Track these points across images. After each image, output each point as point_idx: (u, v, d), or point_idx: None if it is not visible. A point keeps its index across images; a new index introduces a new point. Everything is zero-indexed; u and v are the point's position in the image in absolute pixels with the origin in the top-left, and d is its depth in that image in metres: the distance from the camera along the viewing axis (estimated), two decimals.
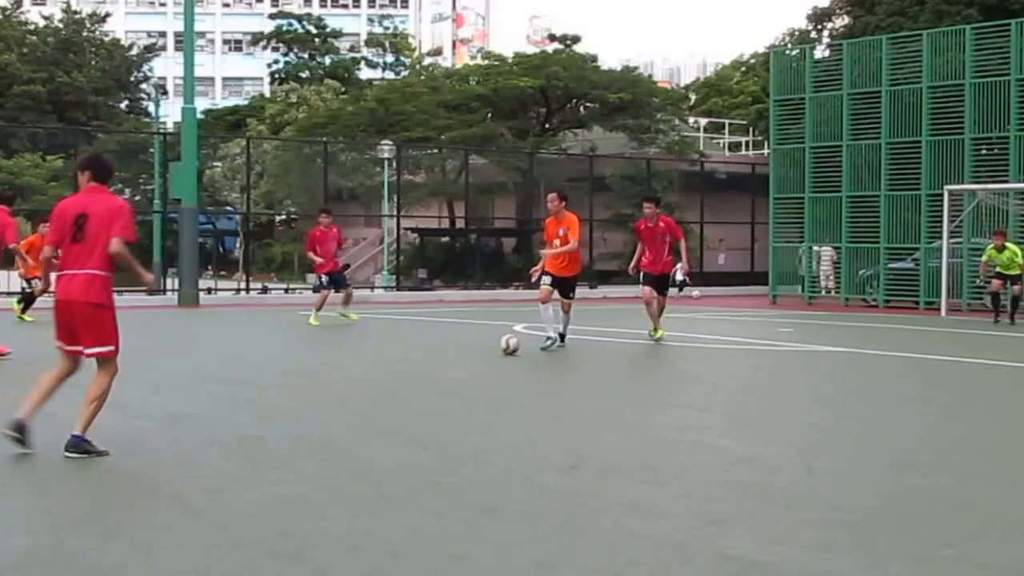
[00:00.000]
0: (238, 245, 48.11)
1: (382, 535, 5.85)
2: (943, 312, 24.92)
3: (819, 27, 40.83)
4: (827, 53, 33.99)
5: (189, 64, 28.40)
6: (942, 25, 30.83)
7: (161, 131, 46.13)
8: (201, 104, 40.27)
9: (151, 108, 56.73)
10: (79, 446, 7.76)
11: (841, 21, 39.58)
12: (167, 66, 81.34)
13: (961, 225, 26.76)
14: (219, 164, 49.85)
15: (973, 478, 7.50)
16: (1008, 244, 23.05)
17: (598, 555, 5.57)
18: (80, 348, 7.96)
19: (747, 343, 17.71)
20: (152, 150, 40.89)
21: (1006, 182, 26.59)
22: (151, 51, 73.96)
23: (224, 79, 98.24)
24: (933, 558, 5.61)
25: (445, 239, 44.03)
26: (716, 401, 11.35)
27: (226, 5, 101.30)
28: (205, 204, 35.91)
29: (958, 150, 27.67)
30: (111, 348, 7.98)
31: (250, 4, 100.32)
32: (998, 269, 23.01)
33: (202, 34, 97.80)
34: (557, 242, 15.88)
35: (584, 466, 7.68)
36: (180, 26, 36.18)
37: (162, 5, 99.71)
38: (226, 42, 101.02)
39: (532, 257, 39.47)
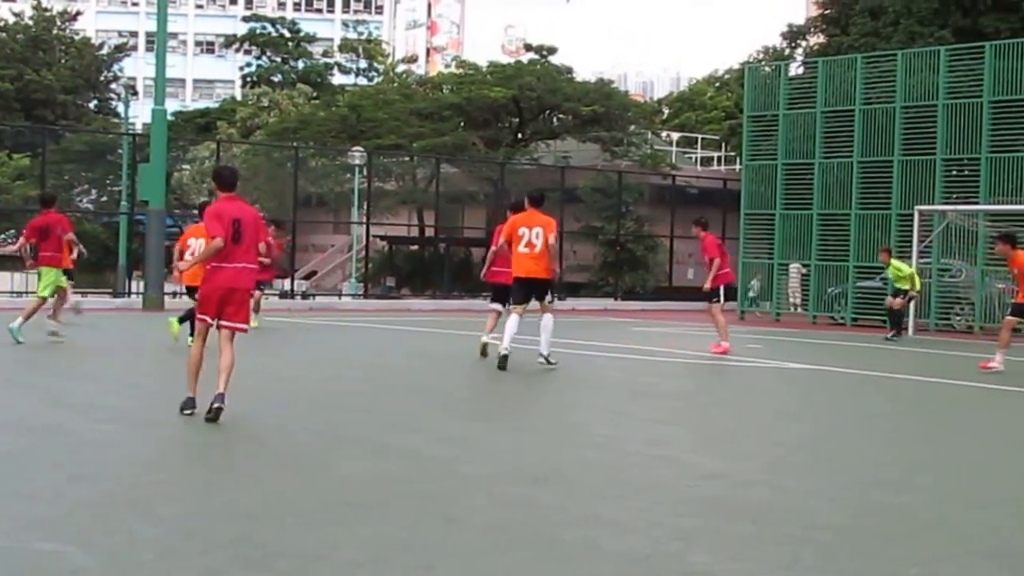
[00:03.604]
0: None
1: (347, 544, 5.79)
2: (910, 331, 24.96)
3: (793, 45, 40.97)
4: (801, 71, 34.13)
5: (160, 65, 28.20)
6: (915, 46, 30.97)
7: (130, 132, 45.83)
8: (171, 106, 39.98)
9: (120, 108, 56.40)
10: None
11: (815, 39, 39.74)
12: (137, 66, 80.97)
13: (931, 245, 26.85)
14: (188, 167, 49.61)
15: (941, 497, 7.49)
16: (893, 261, 23.80)
17: (563, 569, 5.53)
18: None
19: (715, 359, 17.66)
20: (120, 151, 40.65)
21: (976, 203, 26.71)
22: (122, 51, 73.52)
23: (195, 81, 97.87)
24: None
25: (414, 247, 43.92)
26: (684, 416, 11.33)
27: (199, 6, 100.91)
28: (173, 207, 35.57)
29: (929, 170, 27.79)
30: None
31: (223, 6, 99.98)
32: (896, 285, 23.73)
33: (174, 35, 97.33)
34: (526, 245, 15.15)
35: (550, 479, 7.63)
36: (152, 26, 35.95)
37: (134, 5, 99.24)
38: (198, 44, 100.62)
39: None
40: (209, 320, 9.85)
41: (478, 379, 14.25)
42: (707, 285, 18.46)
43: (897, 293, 23.80)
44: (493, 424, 10.26)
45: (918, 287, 24.14)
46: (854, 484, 7.84)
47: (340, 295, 37.07)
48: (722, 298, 18.51)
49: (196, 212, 21.29)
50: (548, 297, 15.23)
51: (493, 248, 16.36)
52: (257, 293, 20.85)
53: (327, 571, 5.38)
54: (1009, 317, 17.03)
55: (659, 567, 5.60)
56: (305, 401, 11.18)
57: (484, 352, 16.00)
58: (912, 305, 24.94)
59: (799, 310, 31.28)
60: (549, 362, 14.83)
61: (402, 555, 5.64)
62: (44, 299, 16.71)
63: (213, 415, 9.34)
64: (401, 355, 17.39)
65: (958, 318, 27.50)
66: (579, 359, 16.11)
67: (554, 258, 15.36)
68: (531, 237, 14.93)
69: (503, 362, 14.43)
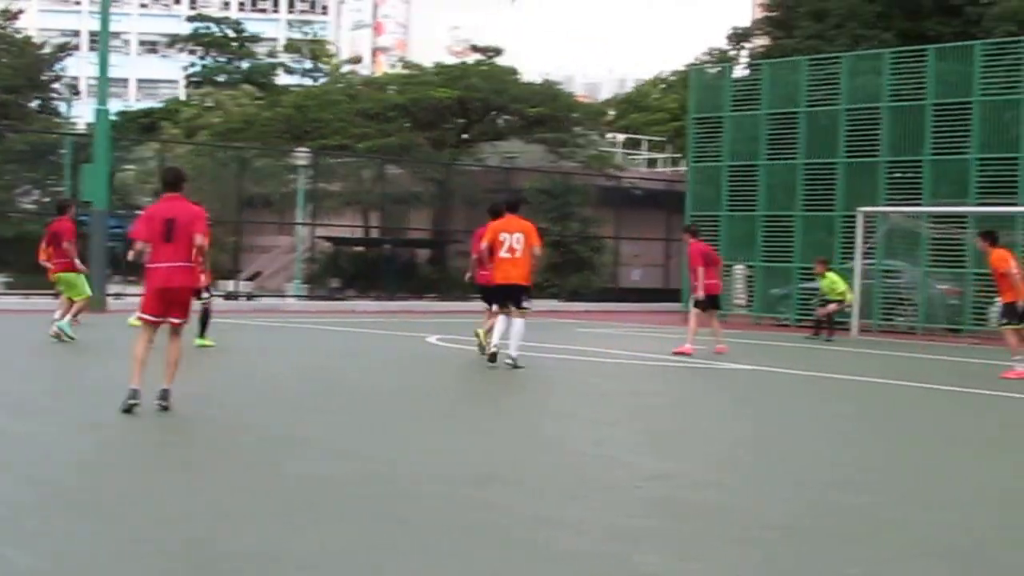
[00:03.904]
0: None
1: (298, 547, 5.76)
2: (854, 332, 25.13)
3: (738, 47, 41.20)
4: (746, 73, 34.29)
5: (103, 64, 27.89)
6: (859, 49, 31.21)
7: (72, 132, 45.28)
8: (114, 106, 39.59)
9: (63, 108, 55.75)
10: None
11: (760, 42, 39.97)
12: (80, 66, 79.88)
13: (874, 247, 27.05)
14: (131, 167, 49.06)
15: (887, 498, 7.52)
16: (829, 273, 24.21)
17: (512, 569, 5.53)
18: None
19: (662, 360, 17.71)
20: (63, 151, 40.14)
21: (919, 205, 26.95)
22: (64, 50, 72.63)
23: (139, 81, 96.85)
24: None
25: (359, 249, 43.68)
26: (631, 417, 11.34)
27: (143, 6, 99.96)
28: (116, 208, 35.13)
29: (873, 172, 28.01)
30: None
31: (167, 5, 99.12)
32: (825, 296, 24.06)
33: (117, 34, 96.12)
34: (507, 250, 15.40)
35: (499, 480, 7.63)
36: (95, 25, 35.54)
37: (76, 3, 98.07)
38: (142, 43, 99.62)
39: (447, 268, 39.43)
40: (151, 319, 10.16)
41: (426, 381, 14.21)
42: (699, 294, 18.72)
43: (828, 302, 23.99)
44: (441, 425, 10.22)
45: (849, 299, 24.41)
46: (800, 484, 7.88)
47: (285, 296, 36.78)
48: (703, 305, 18.83)
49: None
50: (525, 303, 15.46)
51: (475, 255, 16.59)
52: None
53: (277, 573, 5.35)
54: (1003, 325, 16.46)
55: (607, 567, 5.59)
56: (253, 402, 11.11)
57: (483, 351, 16.03)
58: (856, 306, 25.12)
59: (744, 311, 31.41)
60: (517, 365, 14.88)
61: (353, 556, 5.63)
62: (87, 298, 17.82)
63: (159, 407, 9.74)
64: (347, 356, 17.33)
65: (901, 319, 27.72)
66: (526, 361, 16.05)
67: (532, 265, 15.64)
68: (512, 242, 15.28)
69: (493, 358, 14.96)
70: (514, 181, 38.37)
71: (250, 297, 33.85)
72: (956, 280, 27.02)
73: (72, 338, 16.81)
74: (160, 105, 68.48)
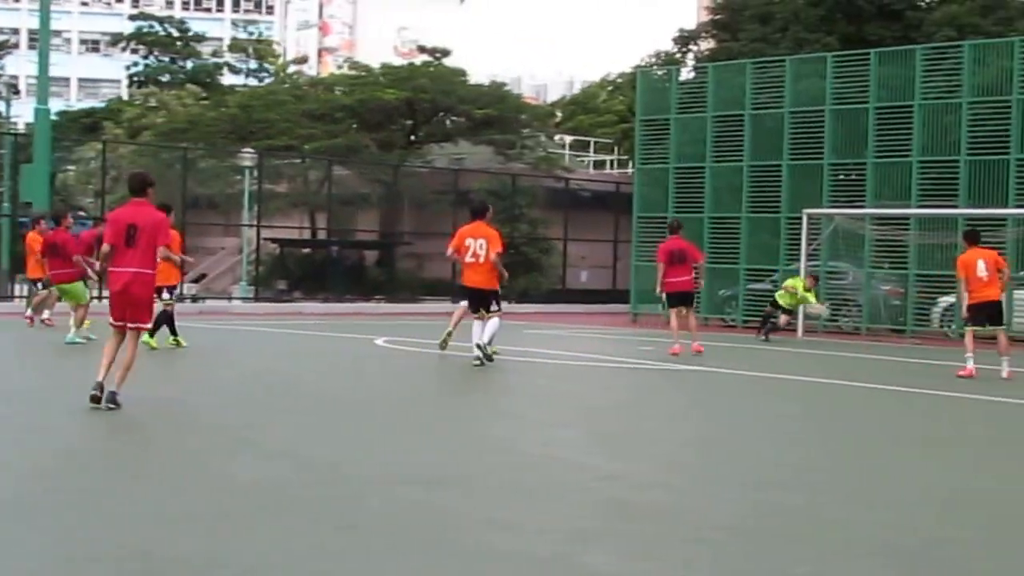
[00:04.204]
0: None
1: (242, 550, 5.73)
2: (799, 333, 25.34)
3: (685, 49, 41.35)
4: (692, 75, 34.44)
5: (43, 63, 27.60)
6: (802, 53, 31.45)
7: (12, 132, 44.75)
8: (55, 105, 39.18)
9: (2, 108, 55.08)
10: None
11: (706, 44, 40.16)
12: (20, 64, 78.99)
13: (819, 248, 27.29)
14: (73, 168, 48.64)
15: (833, 497, 7.59)
16: (809, 292, 24.45)
17: (461, 571, 5.53)
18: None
19: (610, 361, 17.78)
20: (2, 151, 39.66)
21: (862, 207, 27.22)
22: (3, 49, 71.91)
23: (80, 80, 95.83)
24: (788, 575, 5.67)
25: (306, 250, 43.49)
26: (580, 418, 11.38)
27: (84, 4, 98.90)
28: (56, 209, 34.83)
29: (817, 175, 28.23)
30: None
31: (109, 4, 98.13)
32: (787, 303, 24.24)
33: (58, 33, 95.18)
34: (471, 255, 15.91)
35: (447, 481, 7.63)
36: (35, 23, 35.08)
37: (16, 1, 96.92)
38: (83, 42, 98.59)
39: (395, 270, 39.39)
40: (113, 323, 10.48)
41: (374, 383, 14.20)
42: (659, 291, 19.28)
43: (779, 307, 24.21)
44: (389, 427, 10.20)
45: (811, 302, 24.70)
46: (748, 485, 7.94)
47: (231, 298, 36.56)
48: (668, 303, 19.40)
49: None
50: (494, 306, 15.91)
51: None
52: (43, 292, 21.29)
53: None
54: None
55: (557, 569, 5.61)
56: (199, 406, 11.05)
57: (479, 350, 16.21)
58: (801, 308, 25.33)
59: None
60: (485, 352, 15.53)
61: (298, 561, 5.60)
62: (87, 304, 18.26)
63: (106, 408, 10.00)
64: (294, 359, 17.26)
65: (845, 319, 27.99)
66: (477, 367, 16.09)
67: (497, 270, 16.03)
68: (476, 248, 15.77)
69: (479, 361, 15.48)
70: (462, 183, 38.36)
71: (195, 299, 33.61)
72: (898, 281, 27.34)
73: (90, 338, 17.04)
74: (102, 105, 67.86)
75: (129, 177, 11.02)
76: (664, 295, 19.18)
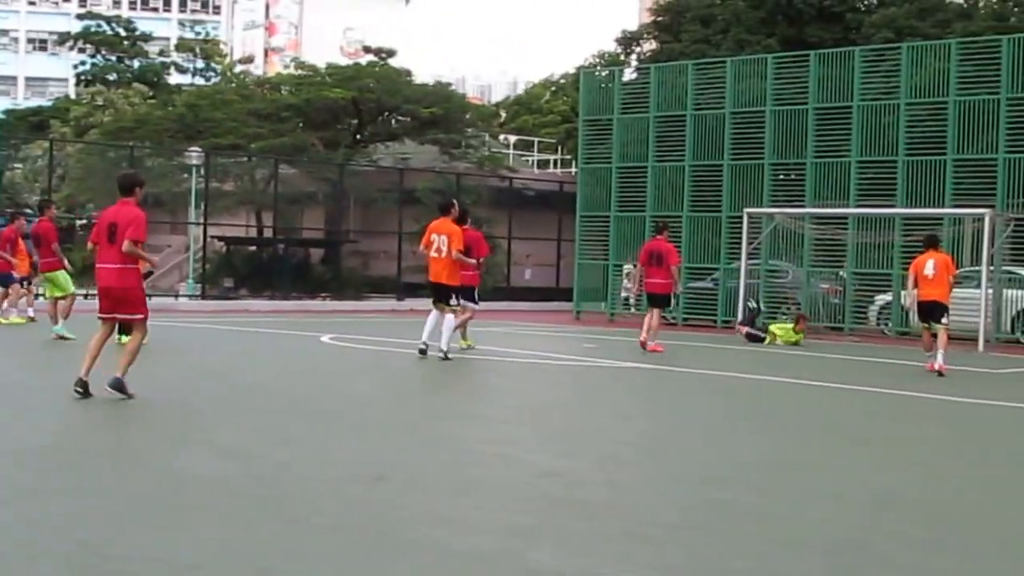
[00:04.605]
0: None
1: (186, 547, 5.77)
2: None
3: (628, 50, 41.71)
4: (635, 76, 34.74)
5: None
6: (743, 54, 31.84)
7: None
8: (2, 103, 38.92)
9: None
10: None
11: (649, 46, 40.52)
12: None
13: (759, 247, 27.65)
14: (20, 166, 48.27)
15: (773, 494, 7.72)
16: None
17: (403, 567, 5.58)
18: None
19: (553, 358, 17.95)
20: None
21: (802, 206, 27.61)
22: None
23: (27, 79, 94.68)
24: (728, 570, 5.76)
25: (252, 248, 43.40)
26: (523, 415, 11.46)
27: (31, 3, 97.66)
28: (4, 206, 34.62)
29: (758, 174, 28.60)
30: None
31: (56, 3, 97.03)
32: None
33: (5, 31, 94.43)
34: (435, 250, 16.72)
35: (390, 478, 7.67)
36: None
37: None
38: (30, 41, 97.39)
39: (341, 268, 39.40)
40: (101, 316, 11.05)
41: (319, 379, 14.23)
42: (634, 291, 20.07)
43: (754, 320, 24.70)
44: (334, 424, 10.23)
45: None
46: (687, 481, 8.06)
47: (177, 296, 36.42)
48: (645, 303, 20.28)
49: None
50: (453, 301, 16.70)
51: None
52: (17, 287, 21.83)
53: (164, 574, 5.34)
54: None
55: (498, 565, 5.68)
56: (143, 402, 11.01)
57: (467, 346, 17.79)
58: (741, 306, 25.69)
59: (633, 310, 31.86)
60: (447, 357, 16.14)
61: (241, 557, 5.64)
62: (72, 296, 18.93)
63: (111, 393, 10.62)
64: (240, 356, 17.24)
65: (784, 317, 28.34)
66: (419, 359, 16.28)
67: (457, 266, 16.86)
68: (439, 243, 16.65)
69: (422, 353, 16.31)
70: (407, 182, 38.42)
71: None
72: (836, 280, 27.78)
73: (71, 337, 17.01)
74: (49, 103, 67.30)
75: (117, 177, 11.54)
76: (633, 296, 19.79)
